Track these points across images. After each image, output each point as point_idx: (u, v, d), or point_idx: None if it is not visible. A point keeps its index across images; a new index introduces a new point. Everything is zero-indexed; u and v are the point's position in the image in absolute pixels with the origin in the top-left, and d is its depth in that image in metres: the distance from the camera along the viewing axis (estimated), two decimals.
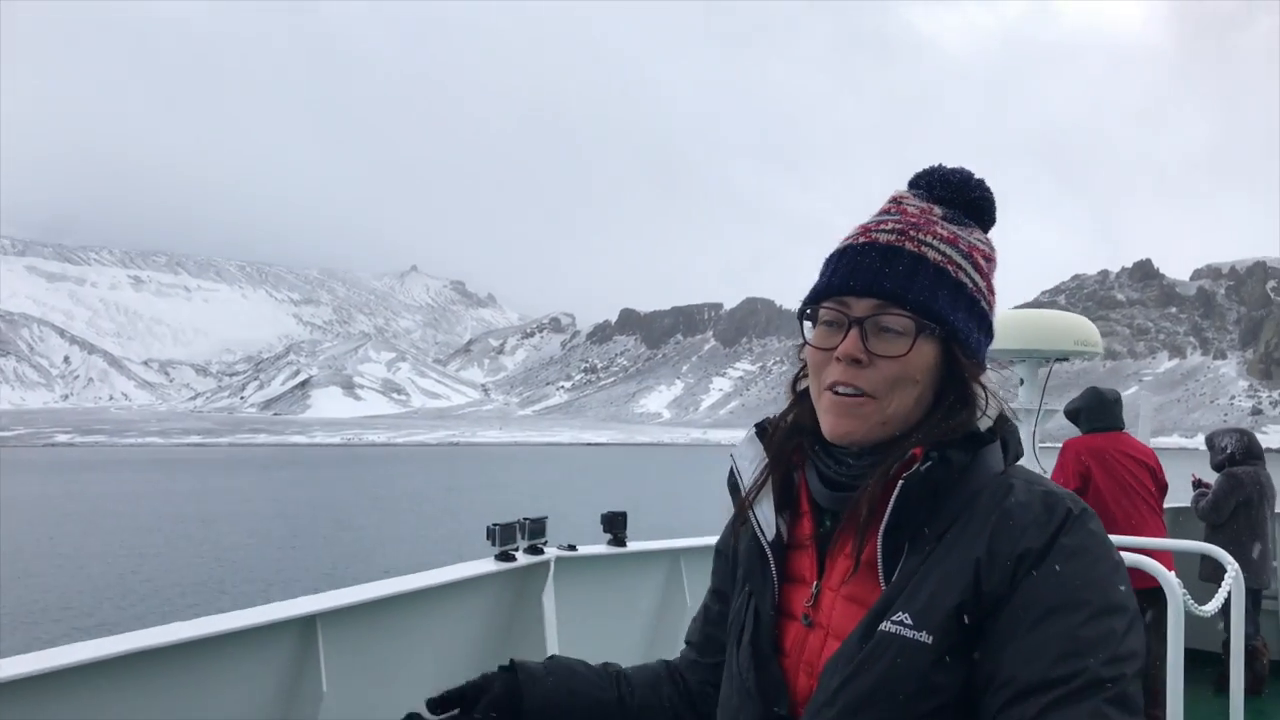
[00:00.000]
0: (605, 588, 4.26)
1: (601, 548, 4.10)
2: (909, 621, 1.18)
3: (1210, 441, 7.05)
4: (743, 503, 1.38)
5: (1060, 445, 5.86)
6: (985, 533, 1.21)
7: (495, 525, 3.56)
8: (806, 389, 1.38)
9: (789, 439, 1.38)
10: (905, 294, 1.24)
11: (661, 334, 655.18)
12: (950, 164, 1.39)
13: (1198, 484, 6.88)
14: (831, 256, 1.33)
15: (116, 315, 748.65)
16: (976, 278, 1.31)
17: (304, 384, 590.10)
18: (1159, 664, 4.43)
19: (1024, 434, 4.98)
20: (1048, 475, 4.98)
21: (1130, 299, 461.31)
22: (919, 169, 1.41)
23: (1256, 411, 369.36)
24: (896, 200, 1.36)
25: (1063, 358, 5.32)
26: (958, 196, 1.35)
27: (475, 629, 3.49)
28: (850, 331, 1.26)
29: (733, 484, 1.42)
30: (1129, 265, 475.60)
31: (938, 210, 1.33)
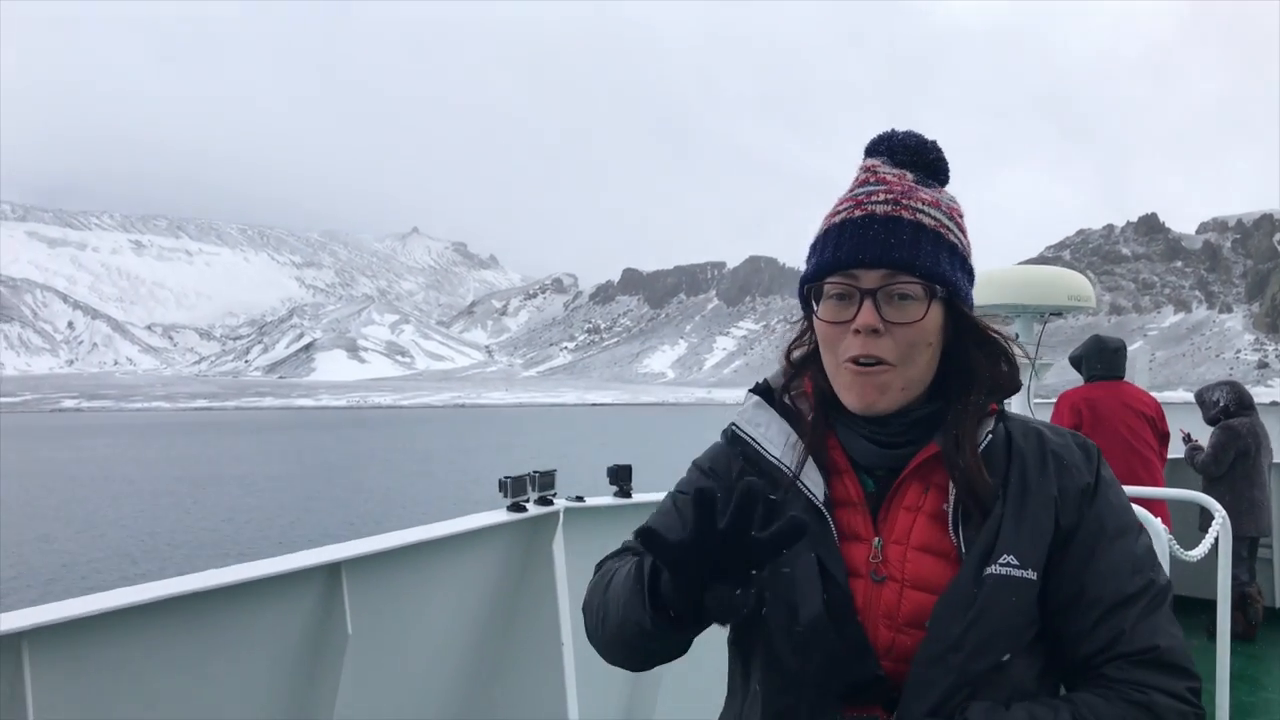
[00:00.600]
0: (611, 536, 4.05)
1: (608, 499, 4.23)
2: (1015, 562, 1.26)
3: (1200, 397, 7.13)
4: (786, 472, 1.37)
5: (1054, 400, 5.91)
6: (1049, 474, 1.33)
7: (507, 478, 3.69)
8: (803, 358, 1.44)
9: (818, 407, 1.41)
10: (914, 261, 1.29)
11: (664, 294, 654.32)
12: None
13: (1188, 439, 6.97)
14: (830, 231, 1.35)
15: (119, 280, 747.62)
16: (961, 235, 1.37)
17: (308, 347, 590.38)
18: None
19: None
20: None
21: (1135, 253, 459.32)
22: (895, 129, 1.44)
23: (1263, 365, 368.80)
24: (872, 170, 1.39)
25: (1057, 313, 5.39)
26: (919, 159, 1.39)
27: (489, 575, 3.65)
28: (865, 303, 1.29)
29: (744, 453, 1.43)
30: (1134, 220, 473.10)
31: (909, 176, 1.37)
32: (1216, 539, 3.67)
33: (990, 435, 1.34)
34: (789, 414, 1.43)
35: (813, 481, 1.36)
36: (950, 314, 1.35)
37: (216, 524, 27.34)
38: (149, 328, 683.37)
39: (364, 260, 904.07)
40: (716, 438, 1.50)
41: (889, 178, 1.36)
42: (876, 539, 1.32)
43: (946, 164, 1.42)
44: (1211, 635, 5.67)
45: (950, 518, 1.30)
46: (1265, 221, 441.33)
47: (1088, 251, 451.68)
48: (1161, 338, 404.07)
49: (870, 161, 1.40)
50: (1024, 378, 5.70)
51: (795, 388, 1.44)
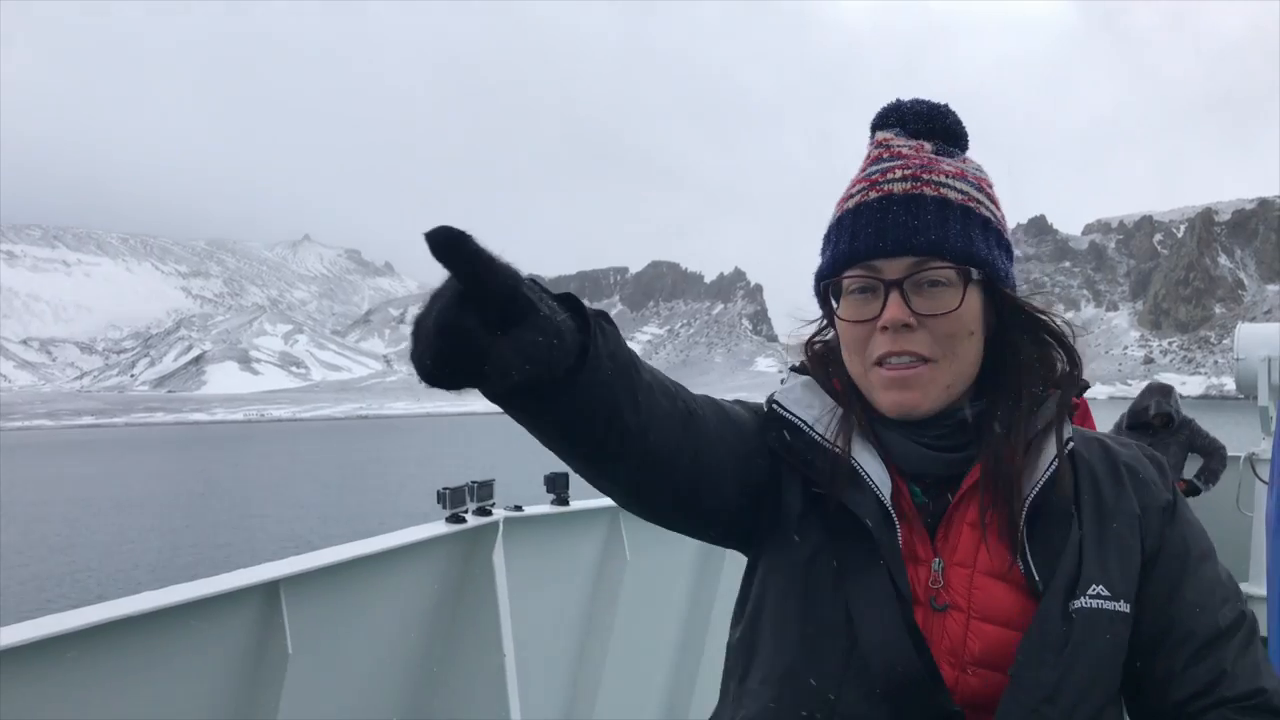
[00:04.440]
0: (551, 545, 4.42)
1: (546, 507, 4.22)
2: (1106, 593, 1.11)
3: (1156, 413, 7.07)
4: (837, 456, 1.18)
5: None
6: (1127, 489, 1.19)
7: (445, 489, 3.64)
8: (826, 352, 1.30)
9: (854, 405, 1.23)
10: (943, 243, 1.15)
11: None
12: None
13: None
14: (843, 218, 1.20)
15: None
16: (994, 208, 1.22)
17: (198, 359, 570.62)
18: None
19: None
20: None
21: (1026, 254, 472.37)
22: (900, 98, 1.28)
23: (1148, 360, 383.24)
24: (884, 145, 1.24)
25: None
26: (935, 127, 1.24)
27: (430, 588, 3.61)
28: (890, 296, 1.15)
29: (785, 438, 1.22)
30: (1024, 222, 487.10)
31: (928, 146, 1.23)
32: None
33: (1071, 443, 1.19)
34: (840, 399, 1.24)
35: (879, 478, 1.17)
36: (991, 298, 1.20)
37: (134, 546, 25.02)
38: (24, 342, 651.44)
39: (254, 269, 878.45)
40: None
41: (904, 151, 1.21)
42: (937, 559, 1.15)
43: (965, 128, 1.27)
44: None
45: (1021, 539, 1.13)
46: (1145, 223, 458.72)
47: None
48: None
49: (882, 135, 1.25)
50: None
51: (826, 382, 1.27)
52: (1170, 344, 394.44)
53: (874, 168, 1.21)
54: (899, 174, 1.17)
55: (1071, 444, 1.18)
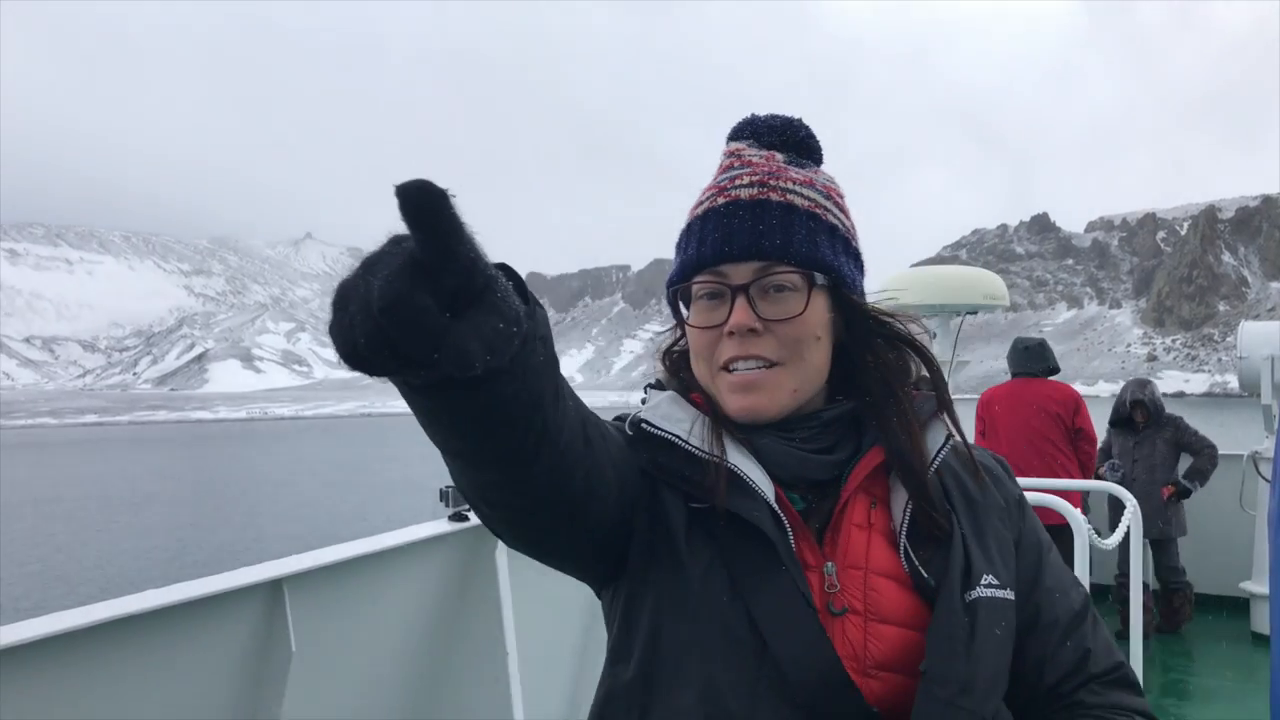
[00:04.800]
0: None
1: None
2: (995, 582, 1.13)
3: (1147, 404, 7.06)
4: (716, 470, 1.13)
5: (969, 397, 6.22)
6: (988, 484, 1.23)
7: (448, 487, 3.61)
8: (683, 362, 1.27)
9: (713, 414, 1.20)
10: (788, 248, 1.14)
11: (570, 297, 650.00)
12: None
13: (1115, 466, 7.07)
14: (693, 225, 1.20)
15: None
16: (842, 216, 1.22)
17: (200, 357, 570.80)
18: None
19: None
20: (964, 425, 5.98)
21: (1029, 251, 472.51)
22: (756, 113, 1.28)
23: (1152, 358, 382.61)
24: (735, 154, 1.24)
25: (973, 311, 5.49)
26: (788, 139, 1.24)
27: (433, 586, 3.61)
28: (736, 301, 1.14)
29: (658, 458, 1.17)
30: (1026, 220, 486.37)
31: (779, 156, 1.23)
32: (1129, 528, 3.88)
33: (950, 439, 1.20)
34: (704, 409, 1.21)
35: (762, 483, 1.14)
36: (839, 304, 1.20)
37: (139, 544, 25.00)
38: (27, 340, 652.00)
39: (256, 267, 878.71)
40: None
41: (755, 160, 1.22)
42: (829, 563, 1.12)
43: (818, 143, 1.26)
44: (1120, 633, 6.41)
45: (901, 536, 1.14)
46: (1149, 220, 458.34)
47: (983, 250, 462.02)
48: (1056, 333, 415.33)
49: (733, 145, 1.26)
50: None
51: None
52: (1174, 342, 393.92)
53: (724, 175, 1.21)
54: (747, 180, 1.17)
55: (953, 438, 1.19)
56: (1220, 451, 7.06)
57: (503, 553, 3.77)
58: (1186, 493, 6.83)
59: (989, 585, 1.11)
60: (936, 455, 1.16)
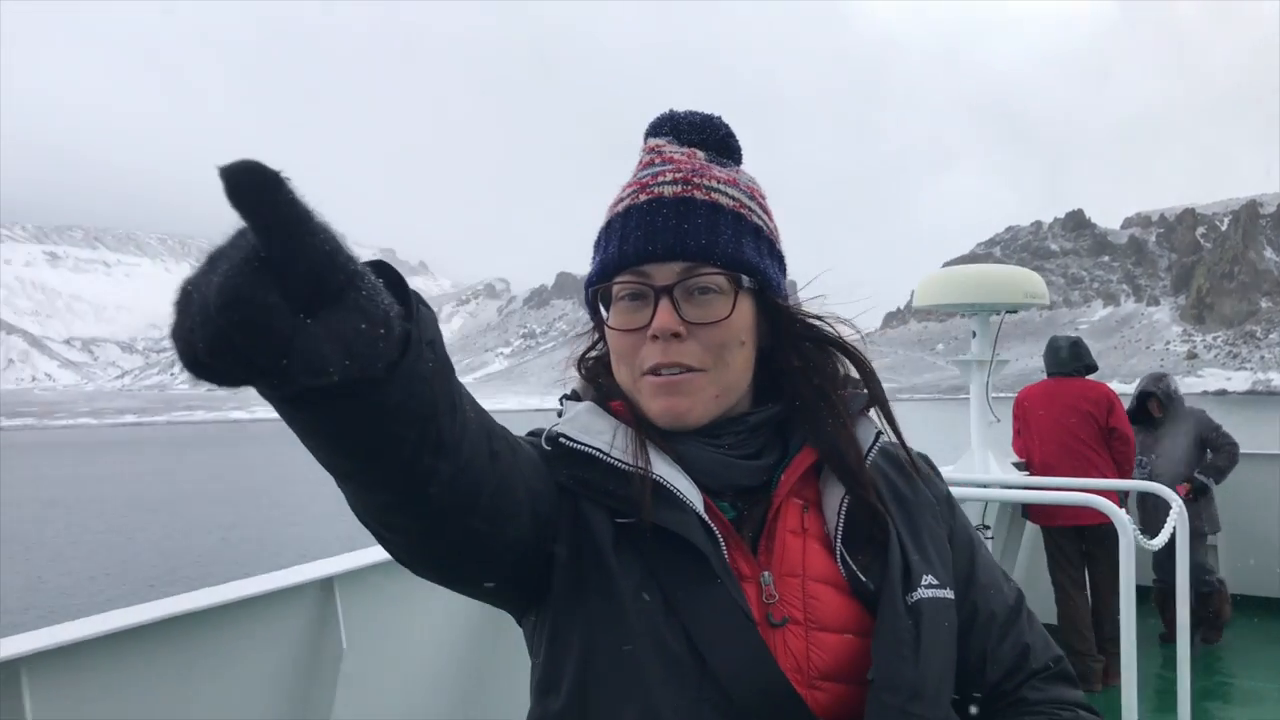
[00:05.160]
0: None
1: None
2: (935, 582, 1.10)
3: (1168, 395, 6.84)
4: (642, 483, 1.06)
5: (1008, 396, 6.16)
6: (919, 481, 1.21)
7: None
8: (600, 368, 1.20)
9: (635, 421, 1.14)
10: (713, 249, 1.09)
11: None
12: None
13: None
14: (613, 222, 1.13)
15: (33, 293, 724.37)
16: (766, 218, 1.17)
17: None
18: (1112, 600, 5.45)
19: (977, 383, 5.47)
20: (1004, 424, 5.74)
21: (1064, 249, 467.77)
22: (674, 109, 1.22)
23: (1192, 355, 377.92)
24: (656, 150, 1.18)
25: (1013, 309, 5.45)
26: (709, 138, 1.19)
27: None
28: (660, 303, 1.08)
29: (578, 474, 1.09)
30: (1061, 216, 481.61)
31: (700, 154, 1.17)
32: (1175, 529, 3.80)
33: (880, 437, 1.17)
34: (625, 418, 1.14)
35: (689, 493, 1.08)
36: (764, 308, 1.15)
37: (186, 542, 25.32)
38: (67, 341, 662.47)
39: None
40: None
41: (676, 156, 1.15)
42: (765, 573, 1.07)
43: (738, 142, 1.22)
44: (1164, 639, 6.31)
45: (837, 540, 1.09)
46: (1188, 216, 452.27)
47: (1017, 247, 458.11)
48: (1092, 331, 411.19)
49: (653, 142, 1.19)
50: (981, 374, 5.81)
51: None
52: (1214, 339, 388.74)
53: (645, 172, 1.15)
54: (670, 177, 1.12)
55: (882, 435, 1.17)
56: (1264, 451, 6.93)
57: None
58: (1203, 489, 6.49)
59: (929, 586, 1.09)
60: (868, 451, 1.13)
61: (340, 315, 0.65)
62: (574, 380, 1.22)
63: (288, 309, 0.62)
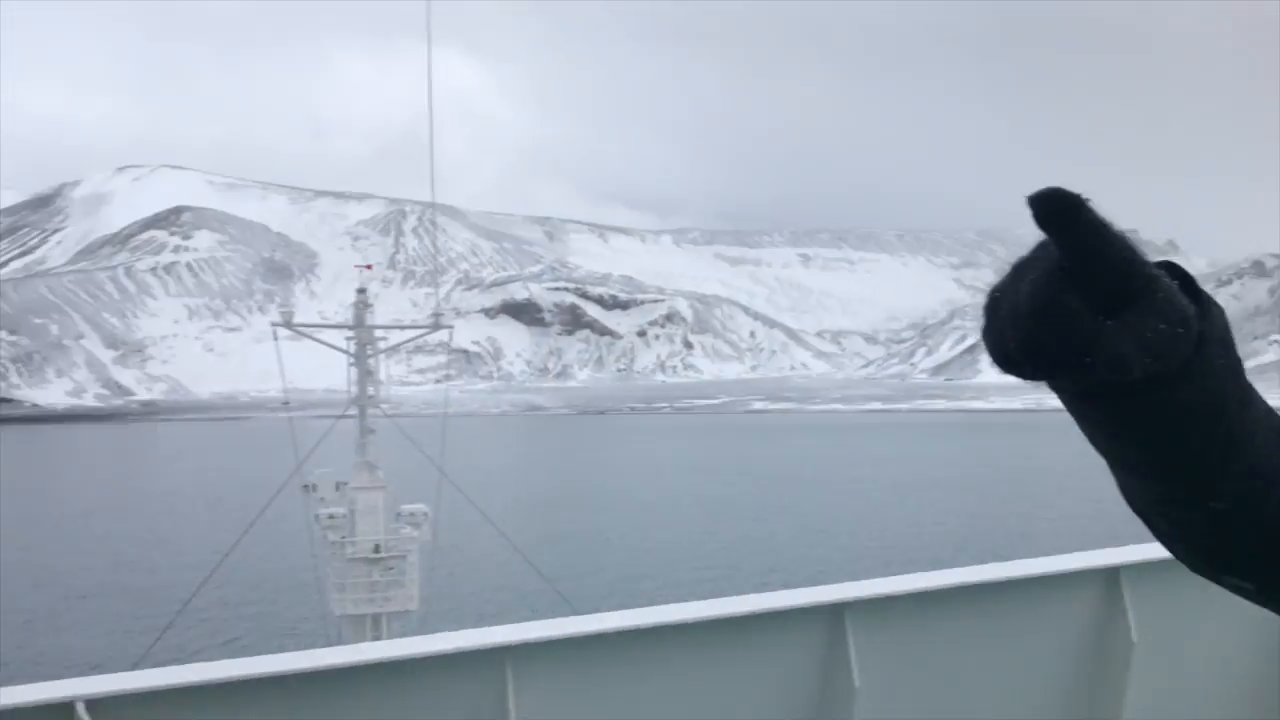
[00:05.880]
0: None
1: None
2: None
3: None
4: None
5: None
6: None
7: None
8: None
9: None
10: None
11: None
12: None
13: None
14: None
15: (790, 291, 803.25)
16: None
17: (972, 349, 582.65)
18: None
19: None
20: None
21: None
22: None
23: None
24: None
25: None
26: None
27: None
28: None
29: None
30: None
31: None
32: None
33: None
34: None
35: None
36: None
37: (930, 527, 24.95)
38: (818, 334, 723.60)
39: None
40: None
41: None
42: None
43: None
44: None
45: None
46: None
47: None
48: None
49: None
50: None
51: None
52: None
53: None
54: None
55: None
56: None
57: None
58: None
59: None
60: None
61: (1139, 316, 0.71)
62: None
63: (1090, 313, 0.70)
